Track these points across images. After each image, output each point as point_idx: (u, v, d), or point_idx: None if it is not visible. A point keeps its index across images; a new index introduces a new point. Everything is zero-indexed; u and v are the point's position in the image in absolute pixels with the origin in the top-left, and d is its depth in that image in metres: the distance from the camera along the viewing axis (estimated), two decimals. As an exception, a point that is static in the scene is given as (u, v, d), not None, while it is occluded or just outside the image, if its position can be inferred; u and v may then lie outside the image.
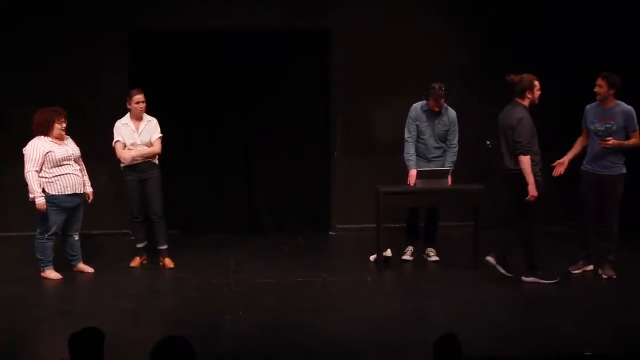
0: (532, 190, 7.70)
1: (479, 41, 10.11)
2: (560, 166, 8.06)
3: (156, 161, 8.54)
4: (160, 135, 8.58)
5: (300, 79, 10.24)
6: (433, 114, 8.56)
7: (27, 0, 9.71)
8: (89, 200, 8.42)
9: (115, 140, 8.50)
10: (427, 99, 8.53)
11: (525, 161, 7.68)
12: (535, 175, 7.73)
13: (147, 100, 8.55)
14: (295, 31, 10.09)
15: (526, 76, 7.81)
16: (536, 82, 7.82)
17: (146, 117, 8.53)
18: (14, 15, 9.74)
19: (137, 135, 8.45)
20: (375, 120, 10.13)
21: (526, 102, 7.82)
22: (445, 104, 8.55)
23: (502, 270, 7.95)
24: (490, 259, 7.98)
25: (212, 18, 9.83)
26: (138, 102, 8.42)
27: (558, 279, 7.89)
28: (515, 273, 7.96)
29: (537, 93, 7.83)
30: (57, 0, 9.72)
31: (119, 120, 8.54)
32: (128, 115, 8.52)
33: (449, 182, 8.50)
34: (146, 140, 8.47)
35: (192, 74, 10.09)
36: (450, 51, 10.13)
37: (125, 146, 8.47)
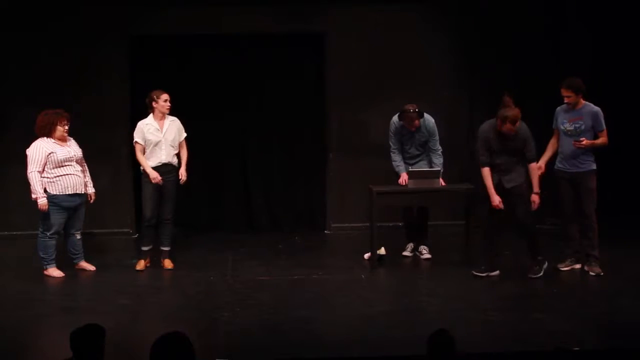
0: (494, 200, 7.88)
1: (469, 45, 10.18)
2: (539, 170, 8.16)
3: (176, 164, 8.51)
4: (185, 135, 8.63)
5: (296, 82, 10.34)
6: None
7: (30, 3, 9.77)
8: (91, 201, 8.49)
9: (134, 140, 8.48)
10: (400, 120, 8.62)
11: (482, 173, 7.94)
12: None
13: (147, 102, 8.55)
14: (291, 35, 10.18)
15: (511, 111, 7.71)
16: (508, 124, 7.69)
17: (168, 116, 8.49)
18: (16, 18, 9.81)
19: (161, 134, 8.41)
20: (369, 122, 10.20)
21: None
22: (418, 121, 8.58)
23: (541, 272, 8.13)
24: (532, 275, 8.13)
25: (210, 23, 9.91)
26: (166, 101, 8.37)
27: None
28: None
29: (506, 127, 7.74)
30: (59, 3, 9.78)
31: (141, 121, 8.48)
32: (151, 115, 8.44)
33: (442, 184, 8.60)
34: (171, 138, 8.43)
35: (190, 76, 10.18)
36: (442, 54, 10.21)
37: (144, 149, 8.43)
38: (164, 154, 8.44)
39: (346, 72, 10.20)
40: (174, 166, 8.53)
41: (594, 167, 8.10)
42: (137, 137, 8.46)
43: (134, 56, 10.09)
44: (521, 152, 7.94)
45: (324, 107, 10.40)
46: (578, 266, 8.30)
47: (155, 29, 9.99)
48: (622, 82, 10.02)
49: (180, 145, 8.60)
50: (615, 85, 9.89)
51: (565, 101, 8.03)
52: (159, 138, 8.43)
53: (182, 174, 8.57)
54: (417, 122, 8.56)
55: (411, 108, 8.52)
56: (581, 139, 7.96)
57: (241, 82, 10.30)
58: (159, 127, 8.45)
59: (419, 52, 10.17)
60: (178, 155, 8.60)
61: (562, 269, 8.29)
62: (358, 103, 10.23)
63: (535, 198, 7.97)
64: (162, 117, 8.46)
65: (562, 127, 8.12)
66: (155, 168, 8.44)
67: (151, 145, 8.44)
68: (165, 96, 8.43)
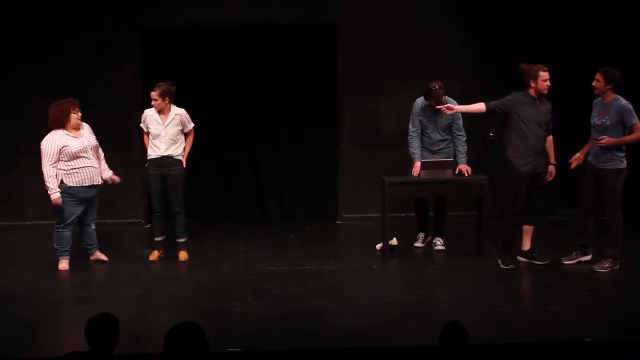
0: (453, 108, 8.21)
1: (480, 35, 10.17)
2: (576, 161, 8.11)
3: (180, 157, 8.47)
4: (193, 125, 8.56)
5: (308, 72, 10.33)
6: (434, 109, 8.61)
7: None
8: (118, 180, 8.55)
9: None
10: (427, 100, 8.62)
11: (477, 104, 8.13)
12: (519, 169, 7.94)
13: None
14: (302, 26, 10.19)
15: (534, 66, 7.94)
16: (542, 73, 7.91)
17: (174, 109, 8.41)
18: (27, 9, 9.84)
19: (162, 127, 8.39)
20: (381, 112, 10.23)
21: (532, 91, 7.96)
22: (445, 98, 8.62)
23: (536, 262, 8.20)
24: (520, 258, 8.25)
25: (221, 13, 9.93)
26: (152, 99, 8.36)
27: (513, 267, 8.07)
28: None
29: (543, 84, 7.91)
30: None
31: (147, 109, 8.50)
32: None
33: (469, 172, 8.62)
34: (172, 132, 8.37)
35: (201, 67, 10.20)
36: (453, 45, 10.21)
37: (149, 134, 8.46)
38: (163, 147, 8.41)
39: (358, 62, 10.20)
40: (176, 159, 8.48)
41: (621, 166, 7.88)
42: (142, 124, 8.55)
43: (145, 47, 10.11)
44: (547, 124, 8.07)
45: (336, 97, 10.40)
46: (587, 258, 8.22)
47: (166, 20, 10.01)
48: (634, 76, 9.94)
49: (186, 135, 8.58)
50: (629, 78, 9.83)
51: (593, 84, 7.90)
52: (159, 131, 8.42)
53: (182, 162, 8.56)
54: (443, 98, 8.52)
55: (436, 85, 8.50)
56: (601, 137, 7.82)
57: (253, 73, 10.31)
58: (160, 121, 8.44)
59: (431, 42, 10.16)
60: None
61: (566, 262, 8.22)
62: (370, 93, 10.23)
63: (552, 169, 8.22)
64: (162, 111, 8.44)
65: (592, 121, 7.99)
66: (154, 160, 8.47)
67: (152, 137, 8.47)
68: (153, 94, 8.35)
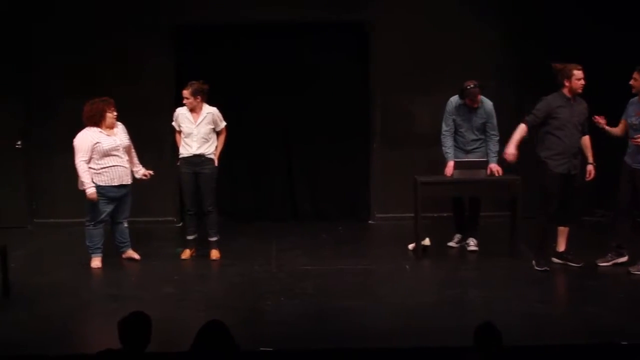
0: (509, 148, 7.96)
1: (516, 35, 10.12)
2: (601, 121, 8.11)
3: (212, 156, 8.48)
4: (225, 124, 8.57)
5: (341, 71, 10.32)
6: (469, 108, 8.60)
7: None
8: (148, 177, 8.55)
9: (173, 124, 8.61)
10: (462, 99, 8.58)
11: (518, 128, 7.96)
12: (553, 170, 7.88)
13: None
14: (335, 24, 10.18)
15: (568, 65, 7.88)
16: (575, 72, 7.85)
17: (206, 108, 8.42)
18: (62, 6, 9.94)
19: (194, 126, 8.40)
20: (414, 111, 10.19)
21: (565, 91, 7.90)
22: (480, 97, 8.59)
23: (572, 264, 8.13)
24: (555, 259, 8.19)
25: (254, 12, 9.94)
26: (184, 97, 8.40)
27: (547, 268, 7.97)
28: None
29: (577, 82, 7.85)
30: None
31: (179, 108, 8.52)
32: None
33: (500, 172, 8.56)
34: (203, 131, 8.39)
35: (234, 65, 10.23)
36: (488, 45, 10.16)
37: (181, 133, 8.47)
38: (195, 145, 8.42)
39: (391, 61, 10.18)
40: (208, 157, 8.49)
41: None
42: (174, 123, 8.57)
43: (178, 46, 10.16)
44: (583, 124, 7.99)
45: (369, 96, 10.37)
46: (622, 260, 8.12)
47: (199, 19, 10.05)
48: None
49: (218, 134, 8.58)
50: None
51: (630, 83, 7.84)
52: (191, 130, 8.43)
53: (214, 161, 8.57)
54: (479, 97, 8.51)
55: (471, 84, 8.47)
56: (637, 135, 7.75)
57: (285, 72, 10.31)
58: (192, 119, 8.44)
59: (464, 41, 10.09)
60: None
61: (601, 264, 8.13)
62: (403, 92, 10.21)
63: (590, 168, 8.14)
64: (194, 110, 8.45)
65: (629, 121, 7.94)
66: (186, 158, 8.49)
67: (184, 135, 8.47)
68: (183, 93, 8.40)
